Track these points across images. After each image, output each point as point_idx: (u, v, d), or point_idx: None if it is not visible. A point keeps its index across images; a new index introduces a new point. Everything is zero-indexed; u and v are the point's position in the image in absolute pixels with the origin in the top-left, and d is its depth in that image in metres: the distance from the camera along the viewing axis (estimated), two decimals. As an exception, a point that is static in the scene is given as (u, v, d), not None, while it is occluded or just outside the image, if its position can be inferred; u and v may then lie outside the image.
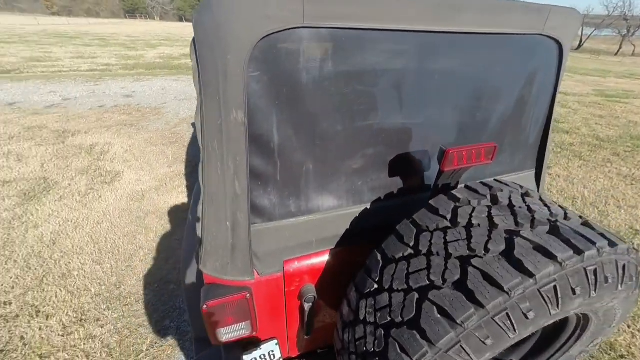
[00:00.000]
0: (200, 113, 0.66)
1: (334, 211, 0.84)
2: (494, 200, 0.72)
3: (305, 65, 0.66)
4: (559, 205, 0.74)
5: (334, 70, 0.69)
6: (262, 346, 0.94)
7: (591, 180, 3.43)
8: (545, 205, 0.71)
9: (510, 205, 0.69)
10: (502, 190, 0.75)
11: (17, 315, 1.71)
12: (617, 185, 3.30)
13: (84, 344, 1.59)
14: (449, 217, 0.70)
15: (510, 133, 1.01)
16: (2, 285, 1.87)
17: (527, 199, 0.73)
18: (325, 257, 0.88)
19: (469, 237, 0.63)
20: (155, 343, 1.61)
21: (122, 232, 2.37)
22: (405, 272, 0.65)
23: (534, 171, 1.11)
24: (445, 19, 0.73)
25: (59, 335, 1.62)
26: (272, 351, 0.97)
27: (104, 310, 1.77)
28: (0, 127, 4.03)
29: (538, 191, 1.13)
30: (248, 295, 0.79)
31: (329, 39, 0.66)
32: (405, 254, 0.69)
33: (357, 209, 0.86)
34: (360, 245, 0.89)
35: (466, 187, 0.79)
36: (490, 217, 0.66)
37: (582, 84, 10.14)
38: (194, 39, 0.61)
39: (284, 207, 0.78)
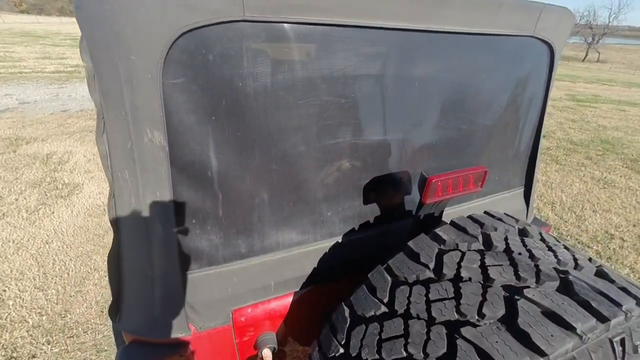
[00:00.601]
0: (101, 134, 0.51)
1: (297, 248, 0.70)
2: (487, 243, 0.59)
3: (250, 70, 0.53)
4: (564, 245, 0.61)
5: (288, 76, 0.56)
6: None
7: (567, 184, 3.51)
8: (549, 248, 0.58)
9: (508, 250, 0.56)
10: (495, 229, 0.62)
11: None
12: (592, 189, 3.40)
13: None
14: (431, 265, 0.56)
15: (498, 149, 0.91)
16: None
17: (526, 240, 0.60)
18: (288, 301, 0.74)
19: (458, 296, 0.50)
20: (103, 385, 1.41)
21: (75, 252, 2.12)
22: (377, 337, 0.52)
23: (523, 189, 1.02)
24: (426, 15, 0.62)
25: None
26: None
27: (43, 344, 1.53)
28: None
29: (527, 211, 1.03)
30: (182, 354, 0.64)
31: (281, 36, 0.53)
32: (378, 312, 0.55)
33: (327, 244, 0.73)
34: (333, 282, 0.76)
35: (452, 223, 0.65)
36: (483, 268, 0.53)
37: (555, 88, 10.78)
38: (82, 32, 0.45)
39: (231, 248, 0.64)
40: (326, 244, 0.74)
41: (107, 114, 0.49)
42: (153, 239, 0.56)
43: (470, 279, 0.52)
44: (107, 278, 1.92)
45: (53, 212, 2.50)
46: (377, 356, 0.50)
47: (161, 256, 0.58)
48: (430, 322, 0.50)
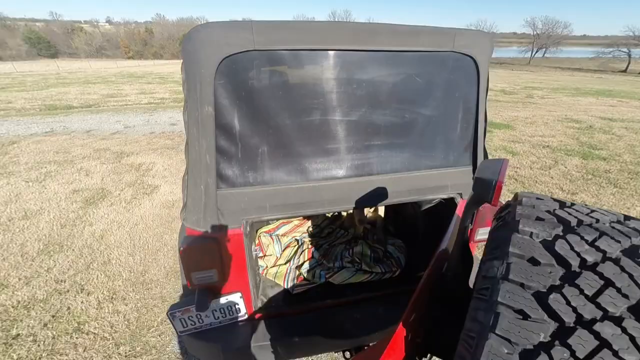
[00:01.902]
0: (185, 109, 0.92)
1: (285, 184, 1.02)
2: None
3: (257, 76, 0.91)
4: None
5: (279, 80, 0.94)
6: (227, 297, 1.12)
7: (624, 207, 3.19)
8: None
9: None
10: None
11: (68, 291, 2.14)
12: None
13: (111, 317, 1.94)
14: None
15: (443, 134, 1.14)
16: (62, 267, 2.35)
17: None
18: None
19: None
20: (164, 321, 1.90)
21: (153, 232, 2.81)
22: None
23: (471, 167, 1.20)
24: (364, 41, 0.94)
25: (94, 308, 2.00)
26: (237, 304, 1.15)
27: (130, 292, 2.13)
28: (78, 150, 5.01)
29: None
30: (215, 244, 0.99)
31: (274, 57, 0.90)
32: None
33: (304, 185, 1.03)
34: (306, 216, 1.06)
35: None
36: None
37: (636, 108, 9.42)
38: (182, 59, 0.89)
39: (244, 178, 0.99)
40: (303, 185, 1.03)
41: (189, 99, 0.89)
42: (203, 166, 0.93)
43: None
44: (173, 252, 2.52)
45: (140, 204, 3.32)
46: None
47: (207, 177, 0.94)
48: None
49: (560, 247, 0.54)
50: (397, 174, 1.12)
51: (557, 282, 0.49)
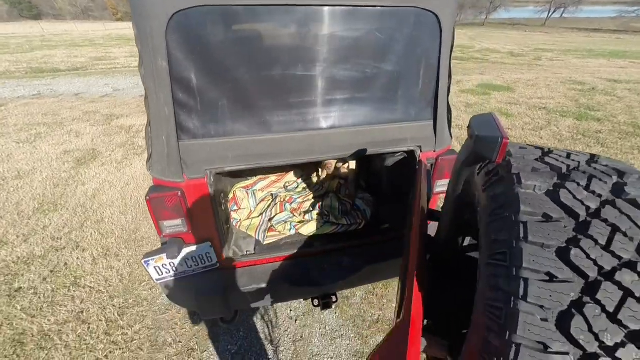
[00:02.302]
0: (141, 63, 0.89)
1: (245, 136, 1.01)
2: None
3: (211, 31, 0.87)
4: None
5: (235, 35, 0.90)
6: (197, 246, 1.12)
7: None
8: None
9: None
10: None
11: (64, 248, 2.13)
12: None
13: (105, 272, 1.95)
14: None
15: (405, 88, 1.12)
16: (57, 225, 2.33)
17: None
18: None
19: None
20: (157, 274, 1.91)
21: (144, 191, 2.74)
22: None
23: (432, 122, 1.19)
24: None
25: (89, 264, 2.00)
26: (207, 253, 1.16)
27: (123, 249, 2.12)
28: (67, 112, 4.78)
29: (435, 138, 1.19)
30: (179, 193, 1.00)
31: (229, 12, 0.85)
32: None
33: (266, 137, 1.03)
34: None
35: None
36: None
37: None
38: (132, 13, 0.82)
39: (205, 130, 0.98)
40: (265, 137, 1.03)
41: (143, 53, 0.86)
42: (162, 118, 0.92)
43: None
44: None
45: (131, 164, 3.21)
46: None
47: (168, 129, 0.93)
48: None
49: (565, 197, 0.53)
50: (357, 127, 1.11)
51: (572, 236, 0.48)
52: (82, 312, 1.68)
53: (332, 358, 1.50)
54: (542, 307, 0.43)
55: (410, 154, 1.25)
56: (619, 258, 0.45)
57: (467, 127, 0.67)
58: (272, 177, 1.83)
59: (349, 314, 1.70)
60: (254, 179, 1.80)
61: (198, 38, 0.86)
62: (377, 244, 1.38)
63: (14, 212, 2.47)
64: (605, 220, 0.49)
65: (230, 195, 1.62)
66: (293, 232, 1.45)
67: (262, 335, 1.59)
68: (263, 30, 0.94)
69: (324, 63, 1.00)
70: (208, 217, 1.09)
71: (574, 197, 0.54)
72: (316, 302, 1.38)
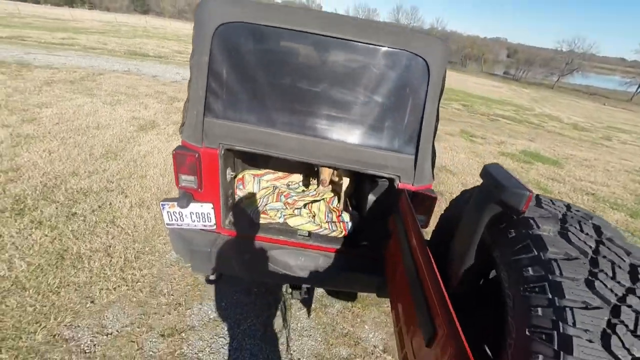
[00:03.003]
0: (192, 56, 1.17)
1: (254, 126, 1.21)
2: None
3: (243, 41, 1.15)
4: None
5: (260, 47, 1.15)
6: (202, 204, 1.32)
7: None
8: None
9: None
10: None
11: (113, 190, 2.55)
12: None
13: (136, 219, 2.28)
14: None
15: (389, 119, 1.23)
16: (113, 171, 2.79)
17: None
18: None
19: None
20: (174, 229, 2.18)
21: (184, 163, 3.15)
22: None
23: (413, 156, 1.26)
24: (334, 29, 1.10)
25: (126, 209, 2.36)
26: (209, 213, 1.34)
27: (154, 204, 2.46)
28: (143, 89, 5.65)
29: (415, 173, 1.27)
30: (197, 155, 1.22)
31: (258, 29, 1.12)
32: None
33: (270, 131, 1.22)
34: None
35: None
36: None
37: None
38: (194, 22, 1.15)
39: (225, 113, 1.21)
40: (269, 131, 1.21)
41: (194, 50, 1.16)
42: (197, 98, 1.18)
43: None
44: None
45: (178, 139, 3.66)
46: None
47: (199, 106, 1.18)
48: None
49: (574, 239, 0.63)
50: (346, 144, 1.23)
51: (589, 270, 0.58)
52: (110, 246, 1.99)
53: (295, 351, 1.56)
54: (587, 331, 0.51)
55: (391, 182, 1.33)
56: (622, 285, 0.55)
57: (482, 174, 0.78)
58: (279, 174, 2.00)
59: (322, 320, 1.75)
60: (264, 170, 1.98)
61: (232, 45, 1.13)
62: (351, 256, 1.46)
63: (87, 153, 3.01)
64: (604, 257, 0.60)
65: (240, 176, 1.81)
66: (282, 220, 1.59)
67: (238, 312, 1.70)
68: (282, 47, 1.16)
69: (326, 83, 1.18)
70: (214, 181, 1.29)
71: (578, 238, 0.65)
72: (290, 290, 1.48)
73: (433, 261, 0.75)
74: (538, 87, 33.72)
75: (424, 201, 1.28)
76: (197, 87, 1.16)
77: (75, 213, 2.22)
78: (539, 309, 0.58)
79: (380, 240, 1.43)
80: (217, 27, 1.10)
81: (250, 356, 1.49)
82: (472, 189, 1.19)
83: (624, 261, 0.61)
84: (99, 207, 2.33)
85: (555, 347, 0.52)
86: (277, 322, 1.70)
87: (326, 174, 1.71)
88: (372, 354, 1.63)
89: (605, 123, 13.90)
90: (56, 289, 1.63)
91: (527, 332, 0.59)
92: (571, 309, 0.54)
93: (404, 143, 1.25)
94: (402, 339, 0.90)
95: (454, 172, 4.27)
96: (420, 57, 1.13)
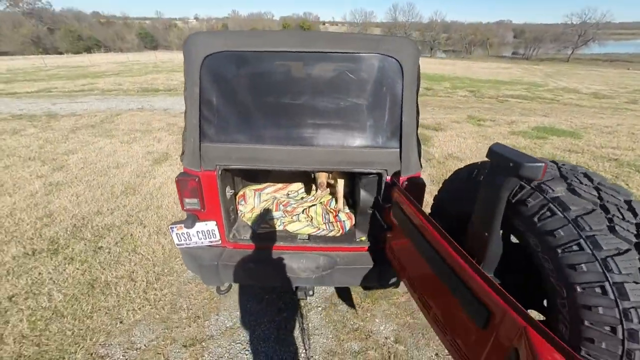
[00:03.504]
0: (184, 88, 1.28)
1: (245, 144, 1.30)
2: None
3: (228, 68, 1.25)
4: None
5: (244, 71, 1.26)
6: (206, 222, 1.44)
7: None
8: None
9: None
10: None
11: (133, 222, 2.76)
12: None
13: (154, 245, 2.46)
14: None
15: (370, 119, 1.30)
16: (132, 205, 3.03)
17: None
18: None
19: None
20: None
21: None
22: None
23: (398, 150, 1.31)
24: (308, 44, 1.19)
25: (146, 237, 2.56)
26: (213, 230, 1.47)
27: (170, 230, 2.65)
28: (156, 123, 6.06)
29: (401, 164, 1.32)
30: (197, 179, 1.34)
31: (240, 56, 1.23)
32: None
33: (260, 146, 1.31)
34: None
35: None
36: None
37: None
38: (183, 55, 1.25)
39: (218, 137, 1.30)
40: (259, 147, 1.30)
41: (186, 81, 1.26)
42: (192, 126, 1.28)
43: None
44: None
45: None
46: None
47: (194, 134, 1.28)
48: None
49: (583, 193, 0.71)
50: (332, 148, 1.30)
51: (606, 217, 0.65)
52: (133, 272, 2.17)
53: (307, 350, 1.64)
54: (629, 274, 0.58)
55: (380, 176, 1.38)
56: (633, 224, 0.61)
57: (489, 155, 0.82)
58: (279, 185, 2.11)
59: (332, 318, 1.81)
60: (264, 184, 2.09)
61: (219, 72, 1.23)
62: (350, 252, 1.53)
63: (109, 192, 3.29)
64: (609, 202, 0.67)
65: (241, 193, 1.93)
66: (282, 227, 1.67)
67: (252, 319, 1.82)
68: (263, 68, 1.26)
69: (307, 95, 1.26)
70: (215, 201, 1.39)
71: (584, 191, 0.71)
72: (297, 291, 1.54)
73: (459, 247, 0.76)
74: (551, 63, 31.86)
75: (413, 189, 1.33)
76: (191, 115, 1.25)
77: (101, 247, 2.44)
78: (583, 266, 0.62)
79: (377, 233, 1.49)
80: (204, 59, 1.18)
81: (266, 358, 1.58)
82: (467, 167, 1.21)
83: (620, 200, 0.67)
84: (121, 239, 2.54)
85: (612, 297, 0.57)
86: (289, 324, 1.78)
87: (323, 177, 1.79)
88: (384, 345, 1.66)
89: (630, 88, 13.00)
90: (89, 313, 1.82)
91: (578, 289, 0.63)
92: (612, 257, 0.58)
93: (387, 138, 1.30)
94: (441, 325, 0.91)
95: (461, 158, 4.23)
96: (392, 57, 1.19)
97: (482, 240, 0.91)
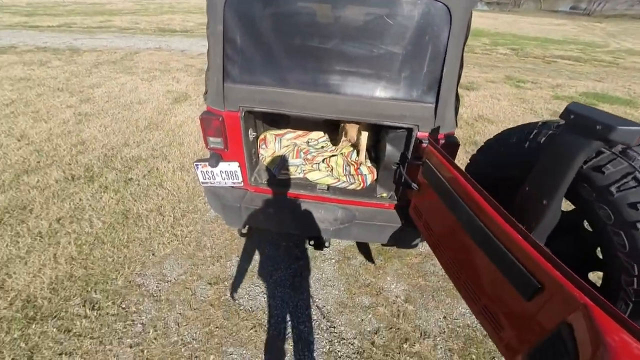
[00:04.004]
0: (207, 26, 1.17)
1: (269, 87, 1.22)
2: None
3: (254, 5, 1.13)
4: None
5: (271, 11, 1.14)
6: (229, 163, 1.37)
7: None
8: None
9: None
10: None
11: (158, 157, 2.76)
12: None
13: (179, 182, 2.47)
14: None
15: (406, 70, 1.17)
16: (156, 140, 3.01)
17: None
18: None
19: None
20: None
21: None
22: None
23: (433, 105, 1.20)
24: None
25: (170, 172, 2.56)
26: (236, 171, 1.40)
27: (192, 168, 2.61)
28: (174, 63, 5.74)
29: (435, 120, 1.21)
30: (220, 118, 1.25)
31: None
32: None
33: (285, 90, 1.22)
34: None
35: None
36: None
37: None
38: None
39: (242, 78, 1.23)
40: (284, 90, 1.22)
41: (209, 20, 1.15)
42: (216, 66, 1.19)
43: None
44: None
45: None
46: None
47: (218, 74, 1.21)
48: None
49: None
50: (361, 97, 1.20)
51: None
52: (161, 206, 2.21)
53: (320, 299, 1.64)
54: None
55: (409, 131, 1.27)
56: None
57: (565, 114, 0.74)
58: (299, 132, 2.00)
59: (345, 272, 1.79)
60: (285, 130, 1.97)
61: (244, 10, 1.12)
62: (369, 207, 1.46)
63: (134, 126, 3.27)
64: None
65: (262, 137, 1.83)
66: (301, 175, 1.61)
67: (269, 264, 1.82)
68: (291, 8, 1.16)
69: (338, 39, 1.14)
70: (238, 142, 1.35)
71: None
72: (312, 242, 1.52)
73: (507, 213, 0.70)
74: (619, 20, 26.11)
75: (445, 149, 1.20)
76: (214, 55, 1.18)
77: (131, 178, 2.47)
78: None
79: (400, 191, 1.40)
80: None
81: (282, 302, 1.62)
82: (520, 127, 1.11)
83: None
84: (149, 172, 2.56)
85: None
86: (304, 273, 1.79)
87: (353, 132, 1.64)
88: (394, 303, 1.65)
89: None
90: (126, 243, 1.90)
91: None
92: None
93: (422, 92, 1.20)
94: (472, 292, 0.88)
95: (493, 120, 3.77)
96: (441, 2, 1.05)
97: (537, 208, 0.86)
